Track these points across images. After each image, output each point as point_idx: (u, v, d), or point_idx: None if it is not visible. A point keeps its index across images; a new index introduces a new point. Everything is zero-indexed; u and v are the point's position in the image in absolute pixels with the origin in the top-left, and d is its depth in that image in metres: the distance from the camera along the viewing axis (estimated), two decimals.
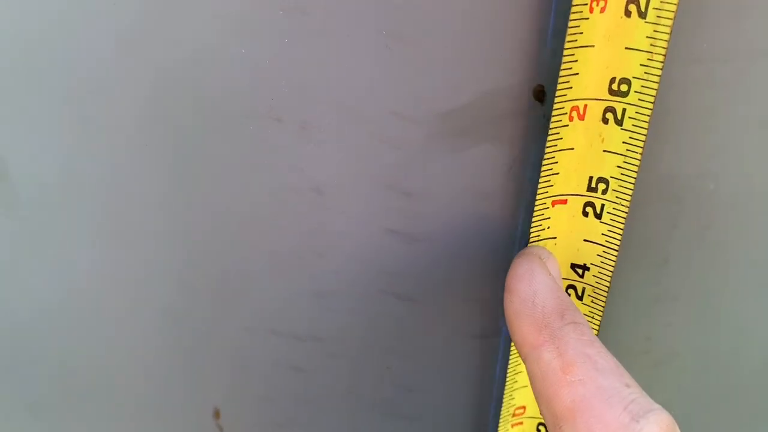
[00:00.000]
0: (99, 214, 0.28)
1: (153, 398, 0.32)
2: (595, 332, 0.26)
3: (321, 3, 0.23)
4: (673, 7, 0.21)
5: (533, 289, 0.22)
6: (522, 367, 0.28)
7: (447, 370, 0.31)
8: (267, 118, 0.25)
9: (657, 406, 0.19)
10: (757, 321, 0.31)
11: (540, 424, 0.29)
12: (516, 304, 0.22)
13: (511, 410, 0.29)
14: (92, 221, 0.28)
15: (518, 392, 0.28)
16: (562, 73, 0.22)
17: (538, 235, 0.25)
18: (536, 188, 0.24)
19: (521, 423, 0.29)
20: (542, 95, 0.24)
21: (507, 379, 0.28)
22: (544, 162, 0.23)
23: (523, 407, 0.29)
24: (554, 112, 0.22)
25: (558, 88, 0.22)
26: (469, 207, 0.27)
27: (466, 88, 0.25)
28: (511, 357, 0.28)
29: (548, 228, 0.24)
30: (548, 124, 0.24)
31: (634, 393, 0.19)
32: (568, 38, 0.21)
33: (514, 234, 0.27)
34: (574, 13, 0.21)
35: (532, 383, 0.21)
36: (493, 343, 0.30)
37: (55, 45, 0.24)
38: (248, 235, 0.28)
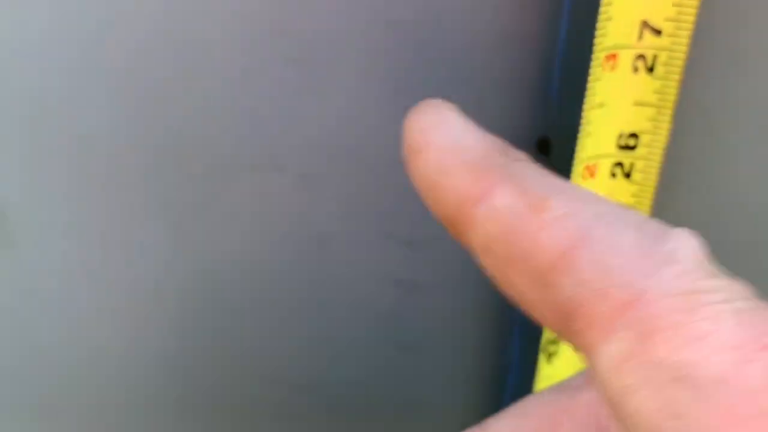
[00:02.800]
0: (98, 259, 0.27)
1: None
2: None
3: (324, 55, 0.23)
4: (681, 63, 0.21)
5: (454, 134, 0.15)
6: None
7: (451, 419, 0.30)
8: (269, 168, 0.25)
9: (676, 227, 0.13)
10: None
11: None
12: (434, 159, 0.15)
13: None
14: (91, 266, 0.27)
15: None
16: (580, 136, 0.22)
17: None
18: None
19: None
20: (546, 147, 0.24)
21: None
22: None
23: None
24: (572, 176, 0.22)
25: (576, 151, 0.22)
26: (470, 258, 0.27)
27: None
28: None
29: None
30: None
31: (641, 215, 0.13)
32: (586, 100, 0.21)
33: None
34: (591, 75, 0.21)
35: (486, 252, 0.14)
36: (497, 392, 0.30)
37: (57, 91, 0.24)
38: (249, 284, 0.27)
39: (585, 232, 0.12)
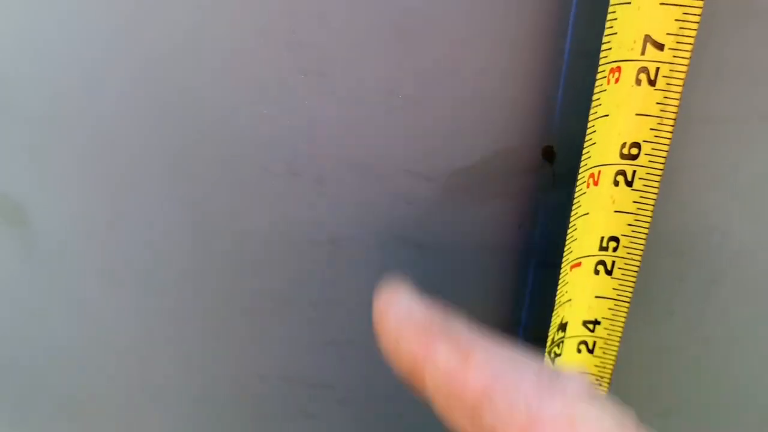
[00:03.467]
0: (117, 263, 0.28)
1: None
2: (606, 383, 0.27)
3: (339, 66, 0.24)
4: (683, 75, 0.22)
5: (406, 305, 0.20)
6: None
7: None
8: (285, 174, 0.26)
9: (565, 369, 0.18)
10: (762, 374, 0.32)
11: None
12: (393, 325, 0.20)
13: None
14: (110, 270, 0.28)
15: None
16: (585, 145, 0.23)
17: (560, 300, 0.25)
18: (546, 246, 0.25)
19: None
20: (551, 155, 0.25)
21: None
22: (569, 231, 0.24)
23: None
24: (578, 183, 0.23)
25: (582, 159, 0.23)
26: (480, 260, 0.27)
27: (477, 147, 0.25)
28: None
29: (566, 293, 0.25)
30: (557, 183, 0.24)
31: (539, 363, 0.18)
32: (591, 111, 0.22)
33: (523, 290, 0.28)
34: (597, 86, 0.22)
35: (435, 397, 0.19)
36: None
37: (78, 99, 0.25)
38: (264, 284, 0.28)
39: (499, 380, 0.17)
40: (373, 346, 0.29)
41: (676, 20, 0.21)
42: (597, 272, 0.25)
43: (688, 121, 0.25)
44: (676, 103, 0.22)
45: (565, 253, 0.25)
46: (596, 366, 0.27)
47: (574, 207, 0.24)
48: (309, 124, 0.25)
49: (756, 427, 0.33)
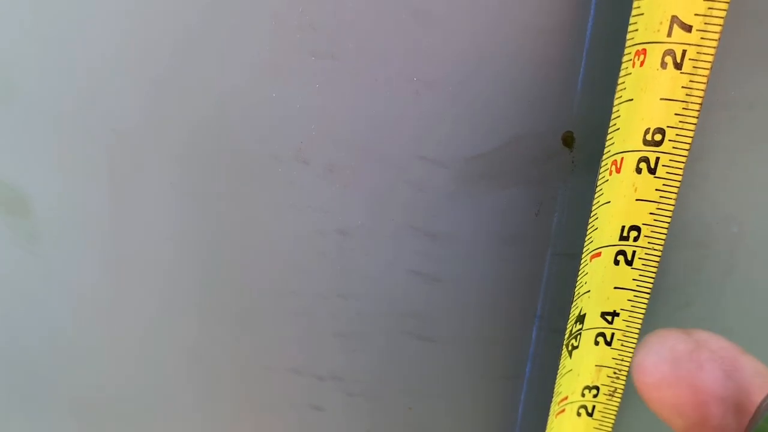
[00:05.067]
0: (121, 252, 0.27)
1: None
2: (624, 376, 0.26)
3: (351, 49, 0.23)
4: (710, 58, 0.21)
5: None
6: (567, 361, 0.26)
7: (468, 411, 0.31)
8: (295, 161, 0.25)
9: None
10: None
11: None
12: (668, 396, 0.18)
13: (558, 399, 0.27)
14: (113, 259, 0.28)
15: (564, 378, 0.27)
16: (609, 130, 0.22)
17: (578, 292, 0.25)
18: (563, 235, 0.24)
19: (563, 410, 0.28)
20: (571, 141, 0.24)
21: (558, 372, 0.26)
22: (590, 220, 0.23)
23: (566, 397, 0.27)
24: (600, 170, 0.22)
25: (605, 145, 0.22)
26: (495, 250, 0.27)
27: (495, 133, 0.24)
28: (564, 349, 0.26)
29: (585, 283, 0.24)
30: (576, 171, 0.24)
31: None
32: (616, 95, 0.21)
33: (540, 278, 0.27)
34: (622, 69, 0.21)
35: None
36: (515, 385, 0.30)
37: (80, 89, 0.24)
38: (272, 274, 0.27)
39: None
40: (382, 339, 0.29)
41: (705, 0, 0.20)
42: (617, 262, 0.24)
43: (712, 107, 0.24)
44: (702, 87, 0.21)
45: (585, 243, 0.24)
46: (614, 359, 0.26)
47: (596, 195, 0.23)
48: (319, 108, 0.24)
49: None
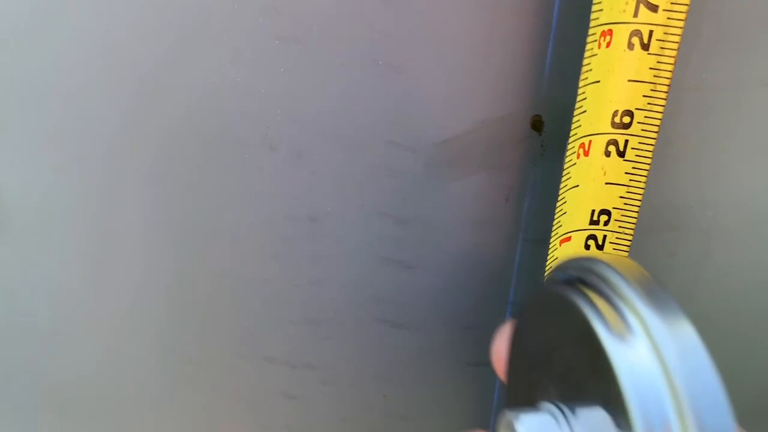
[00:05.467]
0: (91, 240, 0.27)
1: (143, 426, 0.31)
2: None
3: (316, 32, 0.23)
4: (677, 38, 0.21)
5: None
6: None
7: (443, 398, 0.30)
8: (262, 147, 0.25)
9: None
10: (757, 345, 0.31)
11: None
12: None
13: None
14: (84, 247, 0.27)
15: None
16: (575, 113, 0.22)
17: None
18: (534, 220, 0.24)
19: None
20: (540, 125, 0.24)
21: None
22: (557, 204, 0.23)
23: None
24: (567, 153, 0.22)
25: (571, 128, 0.22)
26: (466, 235, 0.26)
27: (463, 118, 0.24)
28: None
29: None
30: (546, 155, 0.23)
31: None
32: (581, 76, 0.21)
33: (512, 262, 0.27)
34: (587, 51, 0.21)
35: None
36: (489, 371, 0.29)
37: (47, 78, 0.24)
38: (242, 262, 0.27)
39: None
40: (355, 325, 0.29)
41: None
42: (587, 247, 0.24)
43: (682, 90, 0.24)
44: (670, 68, 0.21)
45: (554, 227, 0.24)
46: None
47: (563, 179, 0.23)
48: (286, 93, 0.24)
49: (750, 404, 0.33)
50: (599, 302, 0.15)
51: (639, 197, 0.23)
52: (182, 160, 0.25)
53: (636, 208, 0.23)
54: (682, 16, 0.20)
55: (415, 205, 0.26)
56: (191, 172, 0.25)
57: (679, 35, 0.20)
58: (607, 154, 0.22)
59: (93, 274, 0.28)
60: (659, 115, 0.22)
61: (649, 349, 0.14)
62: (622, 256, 0.24)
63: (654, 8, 0.20)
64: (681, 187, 0.26)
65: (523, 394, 0.18)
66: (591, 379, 0.15)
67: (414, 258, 0.27)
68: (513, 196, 0.25)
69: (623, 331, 0.14)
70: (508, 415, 0.16)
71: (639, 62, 0.21)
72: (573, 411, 0.16)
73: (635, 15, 0.20)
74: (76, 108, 0.24)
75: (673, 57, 0.21)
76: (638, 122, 0.22)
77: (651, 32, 0.20)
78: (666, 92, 0.21)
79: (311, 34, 0.23)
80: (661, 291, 0.15)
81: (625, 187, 0.23)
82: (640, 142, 0.22)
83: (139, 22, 0.22)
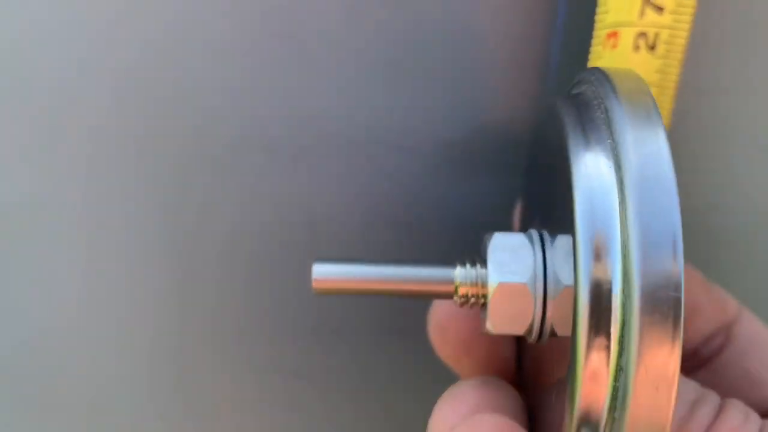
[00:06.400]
0: (83, 243, 0.27)
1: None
2: None
3: (315, 31, 0.22)
4: (684, 41, 0.20)
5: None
6: None
7: None
8: (258, 149, 0.24)
9: None
10: None
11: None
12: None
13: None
14: (75, 250, 0.27)
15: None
16: None
17: None
18: None
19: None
20: None
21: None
22: None
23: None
24: None
25: None
26: (469, 240, 0.26)
27: (467, 120, 0.24)
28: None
29: None
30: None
31: None
32: None
33: None
34: (592, 53, 0.20)
35: None
36: None
37: (33, 70, 0.23)
38: (238, 269, 0.27)
39: None
40: (358, 333, 0.28)
41: None
42: None
43: (688, 92, 0.24)
44: (676, 71, 0.21)
45: None
46: None
47: None
48: (283, 94, 0.23)
49: None
50: (583, 114, 0.15)
51: None
52: (179, 163, 0.25)
53: None
54: (689, 18, 0.20)
55: (417, 209, 0.25)
56: (186, 174, 0.25)
57: (685, 38, 0.20)
58: None
59: (84, 277, 0.27)
60: (666, 119, 0.21)
61: (608, 159, 0.14)
62: None
63: (659, 10, 0.20)
64: (689, 192, 0.26)
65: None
66: (562, 199, 0.15)
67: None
68: (516, 200, 0.25)
69: (591, 141, 0.14)
70: (486, 235, 0.17)
71: (645, 64, 0.20)
72: (553, 238, 0.16)
73: (641, 16, 0.20)
74: (71, 114, 0.24)
75: (680, 60, 0.20)
76: None
77: (657, 34, 0.20)
78: (673, 95, 0.21)
79: (309, 33, 0.22)
80: (647, 105, 0.15)
81: None
82: None
83: (136, 24, 0.22)
